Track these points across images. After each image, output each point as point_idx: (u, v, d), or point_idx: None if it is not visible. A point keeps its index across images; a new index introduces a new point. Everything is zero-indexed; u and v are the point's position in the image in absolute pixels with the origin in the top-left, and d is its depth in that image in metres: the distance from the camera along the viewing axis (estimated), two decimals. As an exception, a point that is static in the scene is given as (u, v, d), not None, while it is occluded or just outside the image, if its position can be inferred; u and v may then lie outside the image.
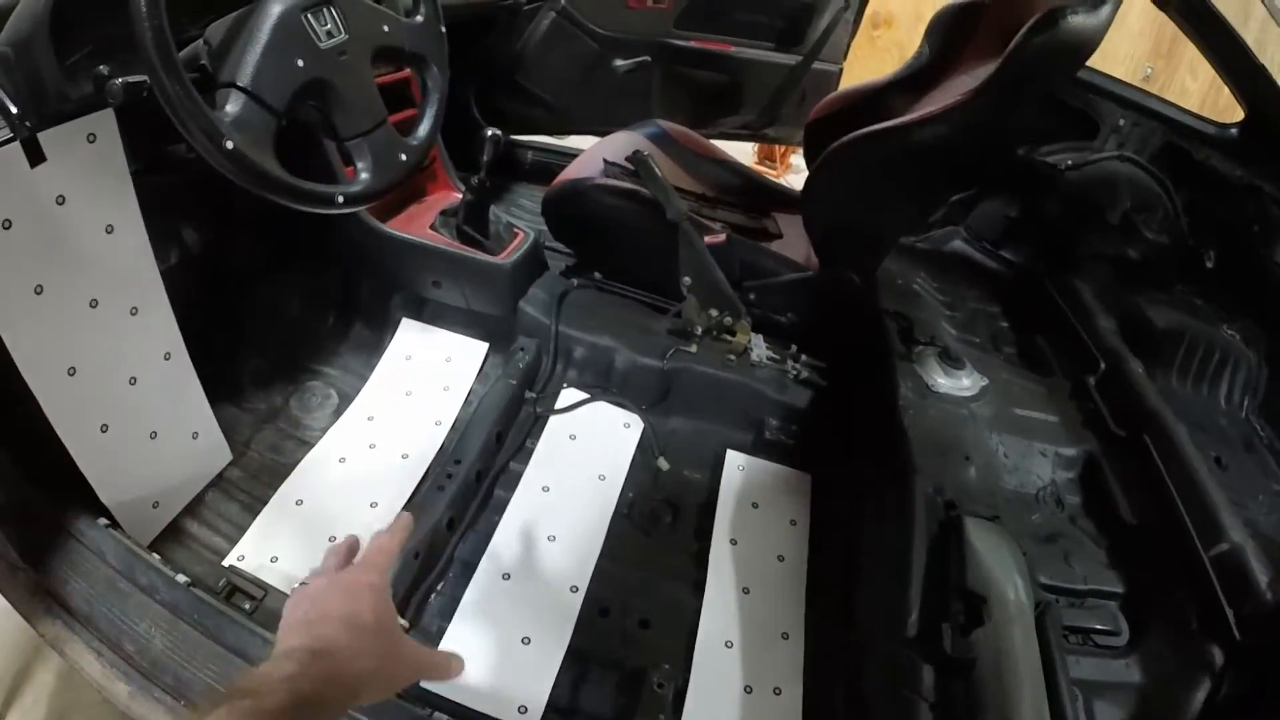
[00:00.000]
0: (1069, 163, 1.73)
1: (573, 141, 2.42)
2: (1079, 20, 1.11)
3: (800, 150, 2.03)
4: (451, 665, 0.70)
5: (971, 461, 1.17)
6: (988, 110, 1.22)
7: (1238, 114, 1.53)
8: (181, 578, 1.04)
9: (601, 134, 1.92)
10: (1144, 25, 3.35)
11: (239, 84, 0.92)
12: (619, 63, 2.24)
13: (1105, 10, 1.15)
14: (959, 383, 1.33)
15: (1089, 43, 1.18)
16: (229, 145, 0.87)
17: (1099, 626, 1.00)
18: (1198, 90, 3.48)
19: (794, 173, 3.76)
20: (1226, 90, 1.53)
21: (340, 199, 1.03)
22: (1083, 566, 1.05)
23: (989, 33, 1.52)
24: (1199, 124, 1.62)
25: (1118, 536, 1.11)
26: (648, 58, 2.25)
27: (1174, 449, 1.12)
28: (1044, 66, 1.19)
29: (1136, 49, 3.54)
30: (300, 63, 0.97)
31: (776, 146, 3.69)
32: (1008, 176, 1.84)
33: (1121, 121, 1.69)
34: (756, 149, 3.77)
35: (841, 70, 2.42)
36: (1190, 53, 1.58)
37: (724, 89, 2.38)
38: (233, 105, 0.92)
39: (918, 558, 1.01)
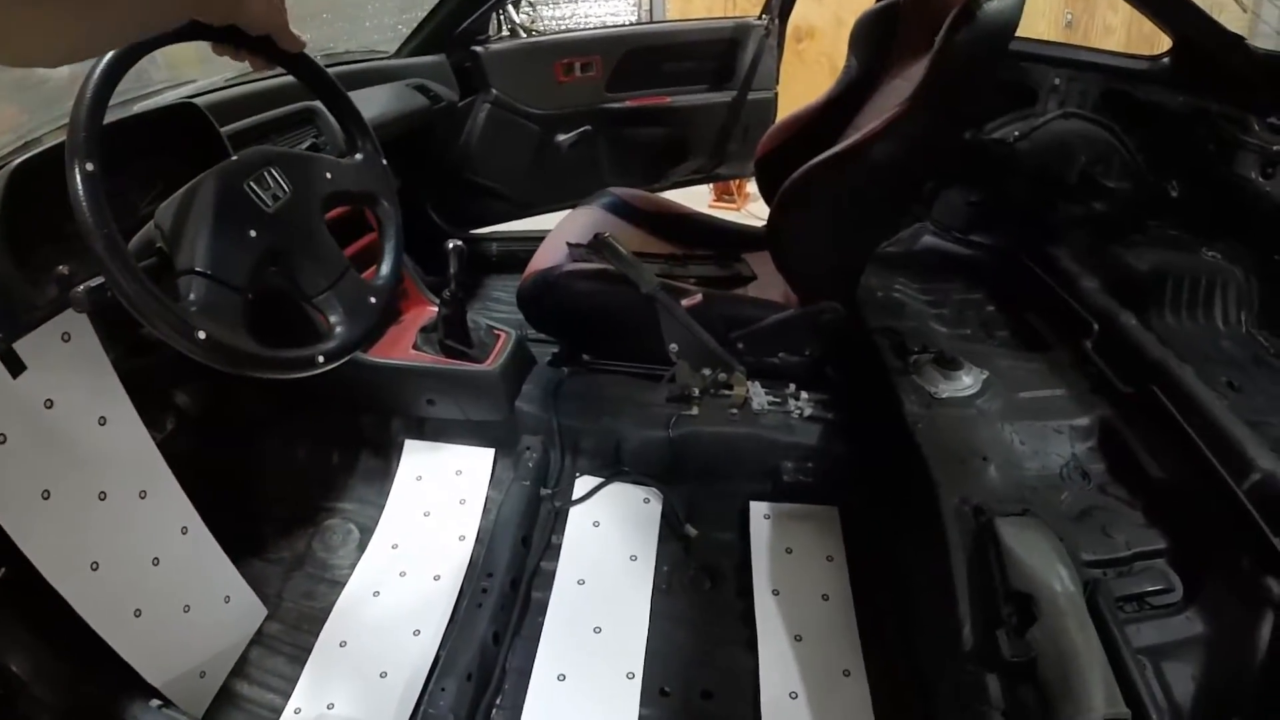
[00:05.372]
0: (1016, 134, 1.74)
1: (534, 223, 2.43)
2: (995, 6, 1.12)
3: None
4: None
5: (990, 460, 1.17)
6: (929, 114, 1.22)
7: (1164, 41, 1.56)
8: (249, 745, 1.02)
9: (561, 210, 1.94)
10: (1054, -25, 3.45)
11: (198, 269, 0.89)
12: (561, 138, 2.28)
13: None
14: (960, 383, 1.33)
15: (1009, 24, 1.19)
16: (201, 336, 0.85)
17: (1151, 588, 0.98)
18: (1121, 23, 3.54)
19: (753, 201, 3.80)
20: (1149, 17, 1.56)
21: (320, 359, 1.01)
22: (1122, 533, 1.04)
23: (910, 30, 1.54)
24: (1131, 63, 1.65)
25: (1150, 493, 1.10)
26: (589, 127, 2.29)
27: (1184, 393, 1.12)
28: (972, 59, 1.19)
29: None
30: (253, 233, 0.94)
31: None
32: (961, 163, 1.86)
33: (1056, 81, 1.72)
34: (712, 188, 3.80)
35: (777, 94, 2.44)
36: (1103, -11, 1.61)
37: (669, 140, 2.42)
38: (196, 292, 0.89)
39: (959, 571, 1.00)
